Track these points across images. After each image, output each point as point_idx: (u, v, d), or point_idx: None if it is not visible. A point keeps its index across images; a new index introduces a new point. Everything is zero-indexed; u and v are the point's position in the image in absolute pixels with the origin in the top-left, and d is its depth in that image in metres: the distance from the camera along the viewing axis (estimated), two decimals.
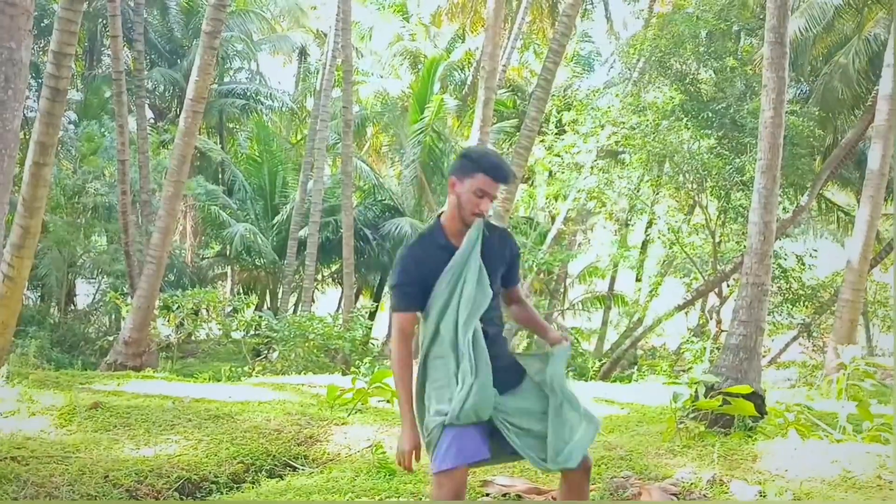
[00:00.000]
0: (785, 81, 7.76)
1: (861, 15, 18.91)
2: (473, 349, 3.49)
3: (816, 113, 17.84)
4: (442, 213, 3.69)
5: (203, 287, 21.08)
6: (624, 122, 17.86)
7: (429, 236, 3.66)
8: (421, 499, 5.13)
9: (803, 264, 18.21)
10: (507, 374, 3.62)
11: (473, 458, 3.50)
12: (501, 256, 3.72)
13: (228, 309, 19.69)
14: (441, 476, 3.45)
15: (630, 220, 21.90)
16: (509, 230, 3.88)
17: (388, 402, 7.78)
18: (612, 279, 25.64)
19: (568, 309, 26.49)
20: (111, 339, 16.29)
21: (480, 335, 3.53)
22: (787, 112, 9.96)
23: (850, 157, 19.53)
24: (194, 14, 28.91)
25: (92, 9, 25.80)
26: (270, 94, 32.33)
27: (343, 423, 7.01)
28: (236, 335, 17.99)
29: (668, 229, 18.89)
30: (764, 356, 13.89)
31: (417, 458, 3.53)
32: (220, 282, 30.10)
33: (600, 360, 19.22)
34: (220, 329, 17.62)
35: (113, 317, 22.28)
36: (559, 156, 19.28)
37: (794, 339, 21.13)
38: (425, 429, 3.55)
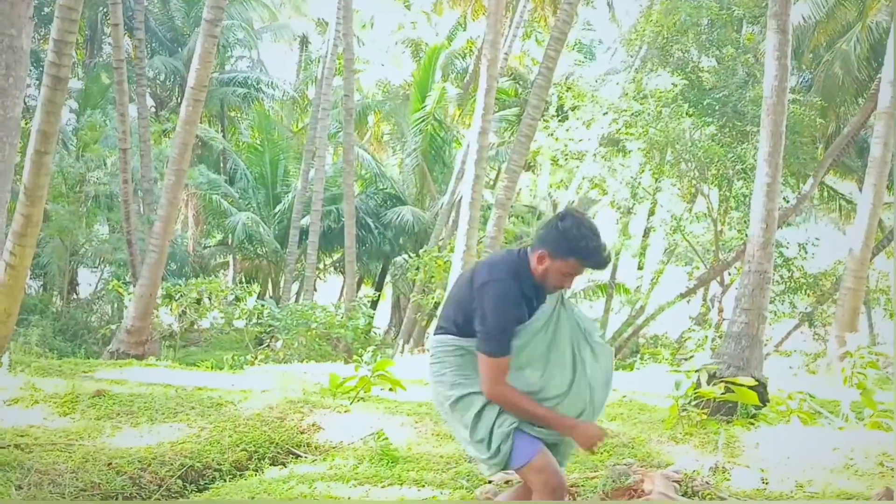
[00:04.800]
0: (787, 69, 7.74)
1: (863, 3, 18.84)
2: None
3: (818, 101, 17.79)
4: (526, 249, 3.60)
5: (205, 276, 21.09)
6: (626, 110, 17.82)
7: (518, 277, 3.52)
8: (423, 486, 5.14)
9: (805, 252, 18.19)
10: None
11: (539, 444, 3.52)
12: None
13: (231, 298, 19.71)
14: (534, 464, 3.47)
15: (632, 208, 21.87)
16: None
17: (390, 390, 7.79)
18: (614, 267, 25.62)
19: (570, 297, 26.46)
20: (114, 327, 16.31)
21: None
22: (789, 100, 9.93)
23: (851, 144, 19.49)
24: (195, 2, 28.84)
25: None
26: (272, 82, 32.25)
27: (346, 412, 7.02)
28: (238, 324, 18.01)
29: (671, 217, 18.87)
30: (766, 344, 13.90)
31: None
32: (222, 271, 30.12)
33: None
34: (222, 318, 17.63)
35: (115, 305, 22.30)
36: (562, 142, 19.22)
37: (796, 327, 21.13)
38: (486, 443, 3.53)
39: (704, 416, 6.70)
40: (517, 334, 3.47)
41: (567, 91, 21.42)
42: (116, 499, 5.16)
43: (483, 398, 3.52)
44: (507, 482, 5.13)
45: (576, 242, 3.45)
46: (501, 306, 3.43)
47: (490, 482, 5.14)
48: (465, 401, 3.58)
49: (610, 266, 25.08)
